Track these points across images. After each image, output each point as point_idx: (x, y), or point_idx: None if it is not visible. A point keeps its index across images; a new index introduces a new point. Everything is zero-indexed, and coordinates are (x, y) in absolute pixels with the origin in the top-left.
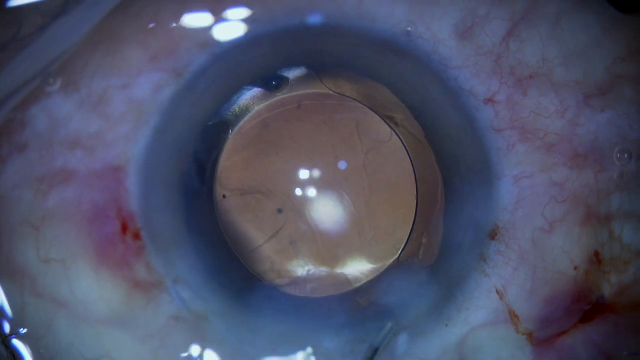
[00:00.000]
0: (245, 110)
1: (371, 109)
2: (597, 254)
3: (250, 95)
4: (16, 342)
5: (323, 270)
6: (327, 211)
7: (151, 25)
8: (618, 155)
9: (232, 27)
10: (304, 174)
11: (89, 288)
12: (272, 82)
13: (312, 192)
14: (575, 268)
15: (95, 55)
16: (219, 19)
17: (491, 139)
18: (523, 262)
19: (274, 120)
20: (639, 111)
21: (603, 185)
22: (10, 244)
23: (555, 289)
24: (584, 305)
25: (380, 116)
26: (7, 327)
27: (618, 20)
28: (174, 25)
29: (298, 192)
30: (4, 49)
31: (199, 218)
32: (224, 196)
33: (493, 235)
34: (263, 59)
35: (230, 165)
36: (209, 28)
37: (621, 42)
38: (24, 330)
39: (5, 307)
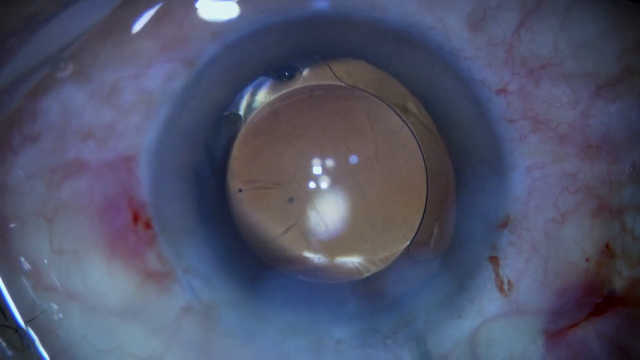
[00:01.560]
0: (256, 101)
1: (382, 100)
2: (608, 245)
3: (261, 85)
4: (31, 332)
5: (333, 259)
6: (337, 200)
7: (162, 15)
8: None
9: (243, 15)
10: (315, 164)
11: (101, 279)
12: (284, 73)
13: (323, 181)
14: (587, 260)
15: (106, 45)
16: (229, 7)
17: (503, 129)
18: (535, 253)
19: (285, 110)
20: None
21: (615, 177)
22: (23, 235)
23: (567, 281)
24: (595, 298)
25: (391, 107)
26: (20, 319)
27: (629, 12)
28: (185, 14)
29: (309, 181)
30: (17, 34)
31: (209, 207)
32: (240, 190)
33: (504, 226)
34: (274, 49)
35: (242, 155)
36: (220, 17)
37: (632, 33)
38: (35, 317)
39: (18, 299)
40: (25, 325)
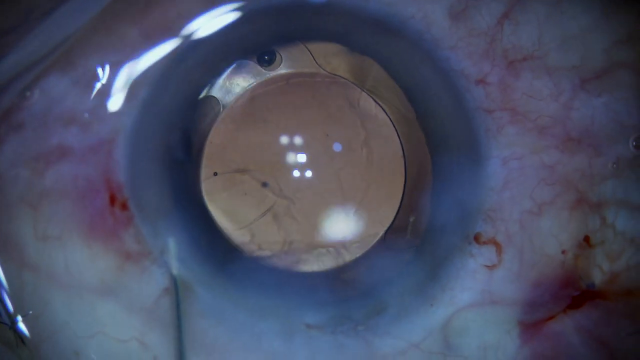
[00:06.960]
0: (234, 86)
1: (361, 87)
2: (587, 239)
3: (241, 70)
4: (21, 325)
5: (307, 245)
6: (313, 187)
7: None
8: (634, 144)
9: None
10: (291, 149)
11: (83, 263)
12: (264, 57)
13: (299, 167)
14: (564, 252)
15: (94, 34)
16: None
17: (481, 120)
18: (510, 244)
19: (263, 96)
20: (636, 96)
21: (596, 170)
22: (7, 223)
23: (543, 273)
24: (572, 291)
25: (369, 94)
26: (11, 309)
27: (620, 3)
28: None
29: (285, 167)
30: (13, 31)
31: (185, 190)
32: (215, 173)
33: (479, 216)
34: (255, 35)
35: (218, 139)
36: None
37: (621, 25)
38: (30, 312)
39: (6, 289)
40: (19, 321)
